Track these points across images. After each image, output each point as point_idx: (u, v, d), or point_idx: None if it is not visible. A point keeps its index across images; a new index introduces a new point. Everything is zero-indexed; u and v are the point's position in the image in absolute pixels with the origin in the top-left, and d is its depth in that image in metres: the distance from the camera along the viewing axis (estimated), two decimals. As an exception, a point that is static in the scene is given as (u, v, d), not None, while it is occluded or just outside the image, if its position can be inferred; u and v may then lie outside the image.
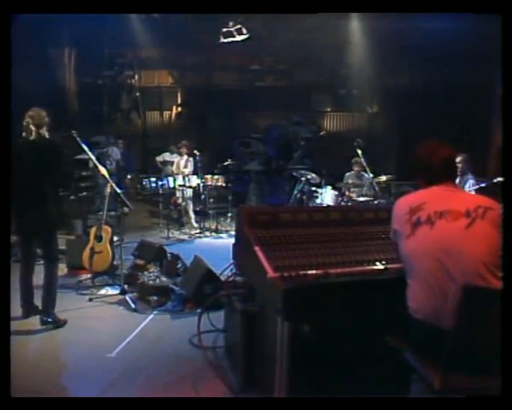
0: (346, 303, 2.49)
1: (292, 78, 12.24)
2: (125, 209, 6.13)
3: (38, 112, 4.43)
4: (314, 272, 2.47)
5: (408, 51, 10.88)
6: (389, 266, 2.63)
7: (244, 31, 9.79)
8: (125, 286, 5.13)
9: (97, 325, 4.48)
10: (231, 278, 3.76)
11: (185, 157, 8.99)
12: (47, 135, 4.44)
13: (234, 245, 3.19)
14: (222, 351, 3.90)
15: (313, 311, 2.41)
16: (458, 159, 6.54)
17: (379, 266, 2.61)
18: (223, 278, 4.80)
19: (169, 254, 5.76)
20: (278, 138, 11.75)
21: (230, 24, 9.78)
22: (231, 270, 3.55)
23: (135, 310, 4.77)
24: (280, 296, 2.27)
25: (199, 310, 4.68)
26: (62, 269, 5.89)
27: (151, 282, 5.01)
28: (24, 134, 4.38)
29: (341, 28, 10.40)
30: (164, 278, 5.13)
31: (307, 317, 2.41)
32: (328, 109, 12.65)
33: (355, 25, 10.52)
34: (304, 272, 2.45)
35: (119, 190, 5.16)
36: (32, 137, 4.41)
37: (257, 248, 2.62)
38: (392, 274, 2.56)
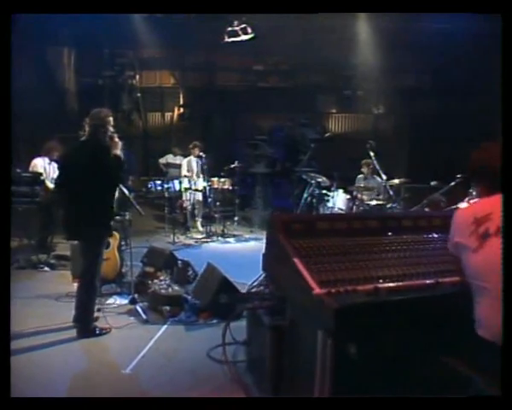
0: (398, 321, 2.26)
1: (296, 78, 12.02)
2: (127, 215, 5.88)
3: (96, 111, 4.19)
4: (363, 287, 2.24)
5: (414, 51, 10.74)
6: (441, 279, 2.40)
7: (249, 30, 9.57)
8: (135, 295, 4.88)
9: (108, 337, 4.23)
10: (254, 289, 3.56)
11: (197, 159, 8.73)
12: (110, 137, 4.17)
13: (264, 255, 2.95)
14: (243, 365, 3.68)
15: (363, 330, 2.18)
16: None
17: (431, 281, 2.38)
18: (242, 288, 4.60)
19: (179, 261, 5.51)
20: (284, 140, 11.54)
21: (235, 23, 9.56)
22: (259, 280, 3.31)
23: (146, 321, 4.52)
24: (331, 316, 2.04)
25: (214, 320, 4.49)
26: (67, 277, 5.65)
27: (163, 291, 4.75)
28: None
29: (346, 28, 10.24)
30: (176, 287, 4.88)
31: (356, 336, 2.18)
32: (334, 111, 12.46)
33: (360, 25, 10.36)
34: (352, 287, 2.22)
35: (128, 193, 4.91)
36: (83, 139, 4.19)
37: (296, 261, 2.38)
38: (445, 289, 2.35)
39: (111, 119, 4.24)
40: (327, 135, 10.95)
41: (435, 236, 2.79)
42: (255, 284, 3.49)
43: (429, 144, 10.64)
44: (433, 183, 7.23)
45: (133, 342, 4.09)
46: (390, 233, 2.77)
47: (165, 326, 4.42)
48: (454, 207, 6.16)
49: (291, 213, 8.51)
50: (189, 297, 4.77)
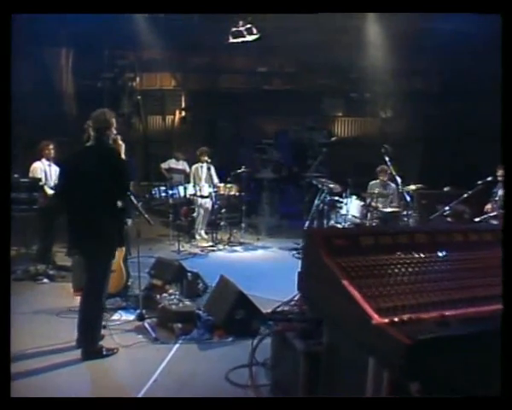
0: (466, 354, 1.94)
1: (301, 81, 11.71)
2: (129, 222, 5.55)
3: (99, 113, 3.86)
4: (428, 315, 1.92)
5: (423, 53, 10.48)
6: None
7: (254, 30, 9.28)
8: (143, 311, 4.54)
9: (115, 358, 3.88)
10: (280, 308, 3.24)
11: (205, 165, 8.39)
12: (113, 140, 3.89)
13: (300, 273, 2.63)
14: (265, 389, 3.35)
15: (429, 364, 1.86)
16: (500, 171, 6.01)
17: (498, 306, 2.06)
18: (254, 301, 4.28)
19: (189, 273, 5.17)
20: (292, 144, 11.23)
21: (240, 23, 9.26)
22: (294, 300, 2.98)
23: (156, 339, 4.18)
24: (402, 352, 1.71)
25: (230, 339, 4.17)
26: (68, 289, 5.31)
27: (174, 306, 4.40)
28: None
29: (352, 30, 9.95)
30: (187, 302, 4.53)
31: (421, 371, 1.86)
32: (340, 114, 12.16)
33: (366, 26, 10.07)
34: (416, 315, 1.90)
35: (135, 202, 4.58)
36: (89, 144, 3.86)
37: (346, 283, 2.06)
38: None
39: (114, 120, 3.94)
40: (333, 139, 10.64)
41: (491, 252, 2.47)
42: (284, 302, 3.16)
43: (439, 149, 10.38)
44: (446, 188, 6.99)
45: (143, 364, 3.76)
46: (441, 250, 2.45)
47: (177, 345, 4.09)
48: (482, 218, 5.85)
49: (300, 219, 8.20)
50: (202, 313, 4.45)
